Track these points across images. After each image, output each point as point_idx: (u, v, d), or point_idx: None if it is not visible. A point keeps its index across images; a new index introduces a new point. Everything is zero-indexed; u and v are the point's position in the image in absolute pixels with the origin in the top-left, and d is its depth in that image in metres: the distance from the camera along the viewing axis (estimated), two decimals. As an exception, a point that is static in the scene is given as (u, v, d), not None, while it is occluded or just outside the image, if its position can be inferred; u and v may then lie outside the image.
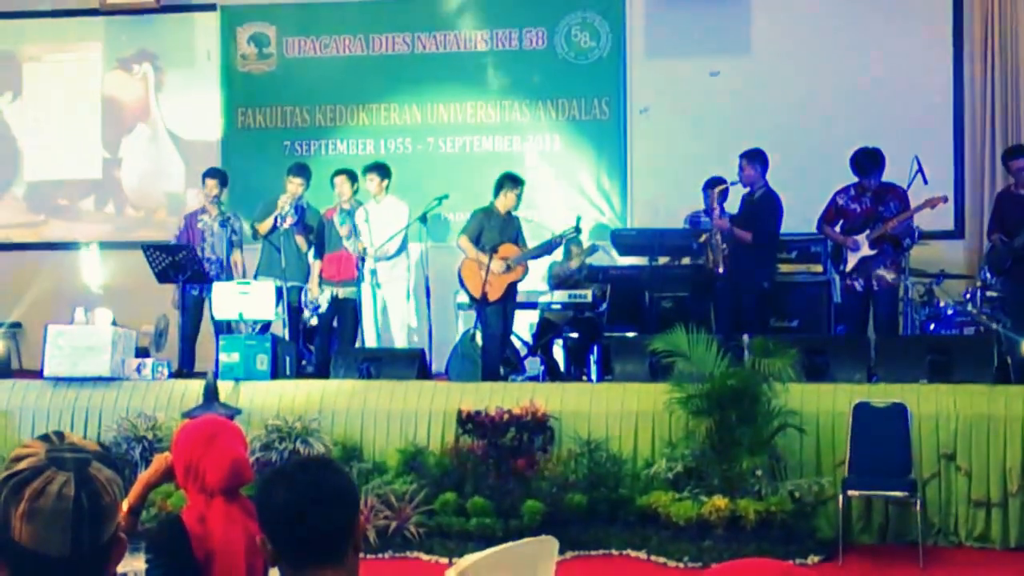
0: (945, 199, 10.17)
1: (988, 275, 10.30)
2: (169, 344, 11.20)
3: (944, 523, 8.56)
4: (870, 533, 8.63)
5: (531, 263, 10.58)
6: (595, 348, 10.73)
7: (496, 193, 10.38)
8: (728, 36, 12.61)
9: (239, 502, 3.85)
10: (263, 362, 9.85)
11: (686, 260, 10.85)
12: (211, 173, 11.25)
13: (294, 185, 10.78)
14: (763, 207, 10.20)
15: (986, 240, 11.56)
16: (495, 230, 10.36)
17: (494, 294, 10.28)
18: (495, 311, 10.34)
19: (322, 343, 10.89)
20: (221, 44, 13.45)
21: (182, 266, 10.47)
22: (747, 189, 10.31)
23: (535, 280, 11.37)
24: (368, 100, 13.10)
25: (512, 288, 10.39)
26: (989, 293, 10.13)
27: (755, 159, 10.21)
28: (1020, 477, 8.47)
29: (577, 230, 10.37)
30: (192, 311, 10.90)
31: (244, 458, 3.93)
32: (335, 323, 10.94)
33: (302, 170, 10.98)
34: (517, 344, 11.42)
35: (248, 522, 3.67)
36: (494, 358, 10.35)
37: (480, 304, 10.34)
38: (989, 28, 11.93)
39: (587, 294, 10.90)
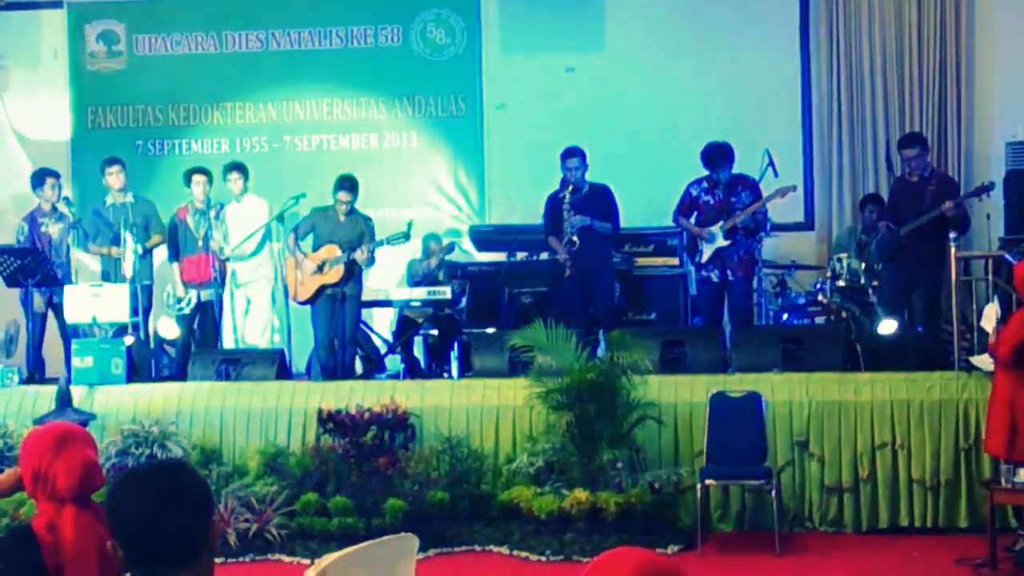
0: (795, 188, 10.39)
1: (877, 263, 10.39)
2: (20, 349, 10.92)
3: (799, 509, 8.76)
4: (728, 521, 8.79)
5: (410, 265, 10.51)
6: (455, 345, 10.73)
7: (333, 194, 10.32)
8: (582, 33, 12.69)
9: (91, 508, 3.78)
10: (118, 366, 9.68)
11: (544, 255, 10.90)
12: (46, 173, 10.99)
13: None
14: (606, 199, 10.26)
15: (835, 230, 11.89)
16: (328, 230, 10.30)
17: (304, 294, 10.24)
18: (321, 310, 10.27)
19: (183, 346, 10.72)
20: (69, 42, 13.12)
21: (30, 270, 10.20)
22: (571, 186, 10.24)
23: (395, 278, 11.35)
24: (222, 98, 12.89)
25: (324, 289, 10.25)
26: (838, 283, 10.32)
27: (584, 156, 10.23)
28: (870, 462, 8.69)
29: (407, 236, 10.33)
30: (41, 315, 10.64)
31: (95, 463, 3.85)
32: (195, 325, 10.80)
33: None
34: (377, 342, 11.38)
35: (101, 528, 3.60)
36: (321, 358, 10.32)
37: (302, 303, 10.33)
38: (834, 24, 12.18)
39: (446, 291, 10.88)
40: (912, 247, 9.92)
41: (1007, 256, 9.45)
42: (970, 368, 8.79)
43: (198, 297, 10.67)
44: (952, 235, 9.47)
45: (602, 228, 10.18)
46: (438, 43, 12.78)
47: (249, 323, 10.75)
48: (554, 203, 10.30)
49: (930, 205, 9.86)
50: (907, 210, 10.05)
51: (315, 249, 10.29)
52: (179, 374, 10.27)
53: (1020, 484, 7.60)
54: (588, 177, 10.31)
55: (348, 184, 10.27)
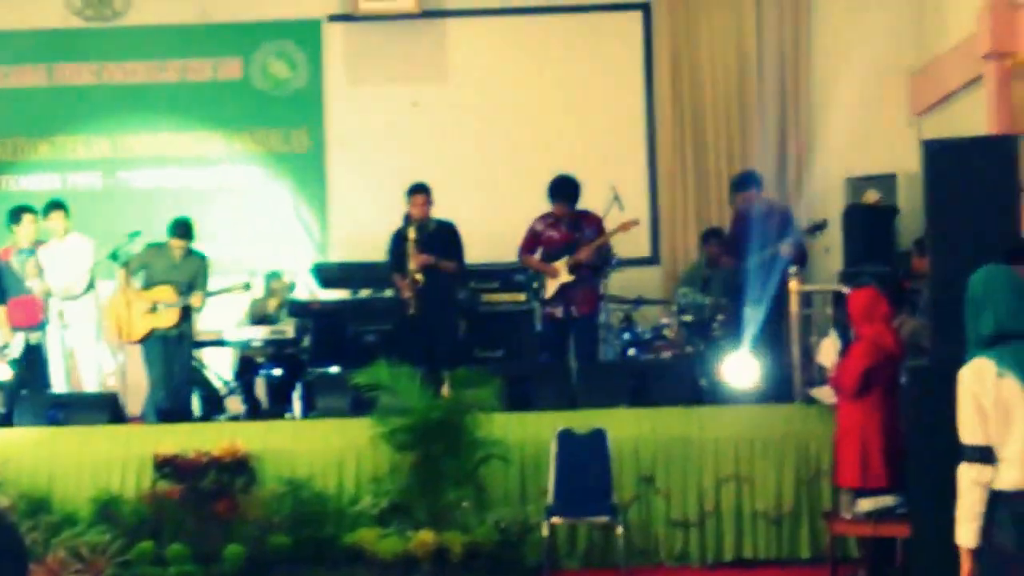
0: (637, 223, 10.40)
1: (721, 297, 10.46)
2: None
3: (645, 544, 8.72)
4: (575, 558, 8.71)
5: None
6: (298, 384, 10.54)
7: (168, 237, 10.11)
8: (427, 66, 12.66)
9: None
10: (-62, 413, 9.30)
11: (389, 292, 10.78)
12: None
13: None
14: (451, 236, 10.20)
15: (680, 265, 11.98)
16: (161, 270, 10.07)
17: (133, 334, 10.02)
18: (153, 351, 10.03)
19: (9, 391, 10.33)
20: None
21: None
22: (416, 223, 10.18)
23: (233, 317, 11.11)
24: (52, 132, 12.53)
25: (156, 330, 10.05)
26: (683, 317, 10.39)
27: (429, 192, 10.17)
28: (715, 496, 8.71)
29: (246, 287, 10.17)
30: None
31: None
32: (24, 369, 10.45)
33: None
34: (217, 383, 11.13)
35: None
36: (158, 400, 10.08)
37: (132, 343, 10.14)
38: (677, 59, 12.34)
39: (288, 330, 10.70)
40: (753, 281, 10.01)
41: (845, 289, 9.58)
42: (810, 401, 8.87)
43: (26, 340, 10.31)
44: (792, 269, 9.58)
45: (447, 266, 10.10)
46: (280, 77, 12.62)
47: (80, 366, 10.43)
48: (399, 240, 10.20)
49: (769, 240, 9.98)
50: (747, 245, 10.17)
51: (147, 287, 10.03)
52: (5, 420, 9.90)
53: (860, 515, 7.70)
54: (434, 213, 10.23)
55: (181, 231, 10.12)
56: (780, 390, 9.51)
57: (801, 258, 10.07)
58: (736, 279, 10.10)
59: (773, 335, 10.11)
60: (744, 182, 10.52)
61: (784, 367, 9.85)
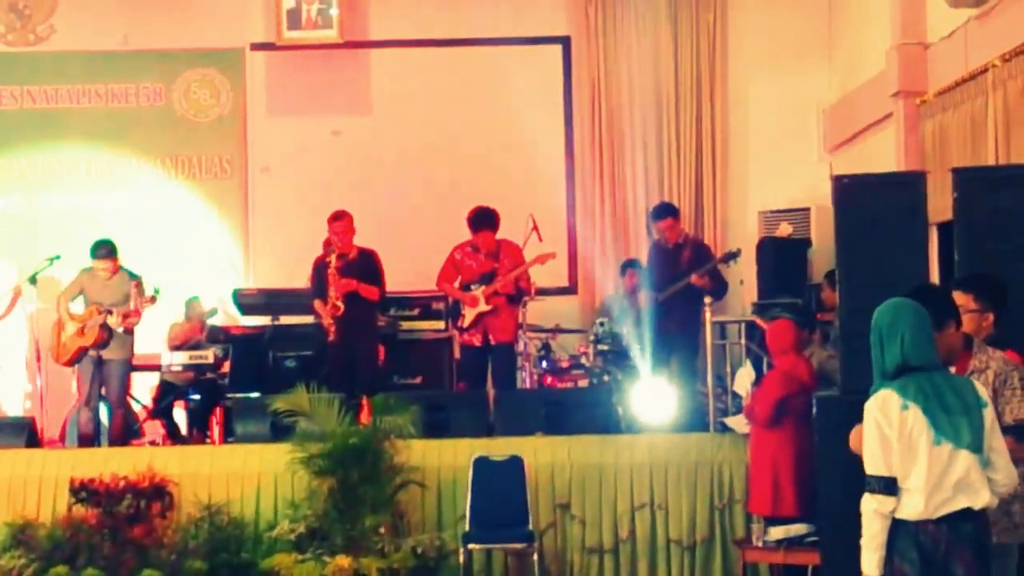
0: (554, 255, 10.53)
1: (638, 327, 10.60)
2: None
3: (561, 570, 8.83)
4: (491, 584, 8.79)
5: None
6: (217, 410, 10.52)
7: (91, 259, 10.09)
8: (349, 96, 12.71)
9: None
10: None
11: (308, 319, 10.81)
12: None
13: None
14: (372, 263, 10.25)
15: (598, 295, 12.10)
16: (95, 292, 10.04)
17: (63, 356, 9.98)
18: (83, 372, 9.99)
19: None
20: None
21: None
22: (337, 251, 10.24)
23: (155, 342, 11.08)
24: (-27, 155, 12.48)
25: (85, 351, 9.98)
26: (600, 346, 10.53)
27: (350, 219, 10.22)
28: (630, 523, 8.83)
29: (153, 300, 10.13)
30: None
31: None
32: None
33: None
34: (136, 407, 11.07)
35: None
36: (80, 421, 10.05)
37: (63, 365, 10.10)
38: (596, 90, 12.51)
39: (208, 355, 10.70)
40: (670, 312, 10.19)
41: (758, 321, 9.77)
42: (725, 429, 9.02)
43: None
44: (707, 300, 9.76)
45: (368, 293, 10.15)
46: (202, 104, 12.61)
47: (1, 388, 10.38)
48: (320, 268, 10.25)
49: (685, 271, 10.18)
50: (663, 275, 10.36)
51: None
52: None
53: (771, 543, 7.85)
54: (355, 240, 10.29)
55: (104, 251, 10.03)
56: (694, 419, 9.66)
57: (718, 288, 10.26)
58: (652, 309, 10.25)
59: (689, 364, 10.30)
60: (660, 212, 10.72)
61: (698, 396, 10.03)
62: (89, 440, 9.82)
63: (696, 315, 9.92)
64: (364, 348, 10.21)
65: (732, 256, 10.42)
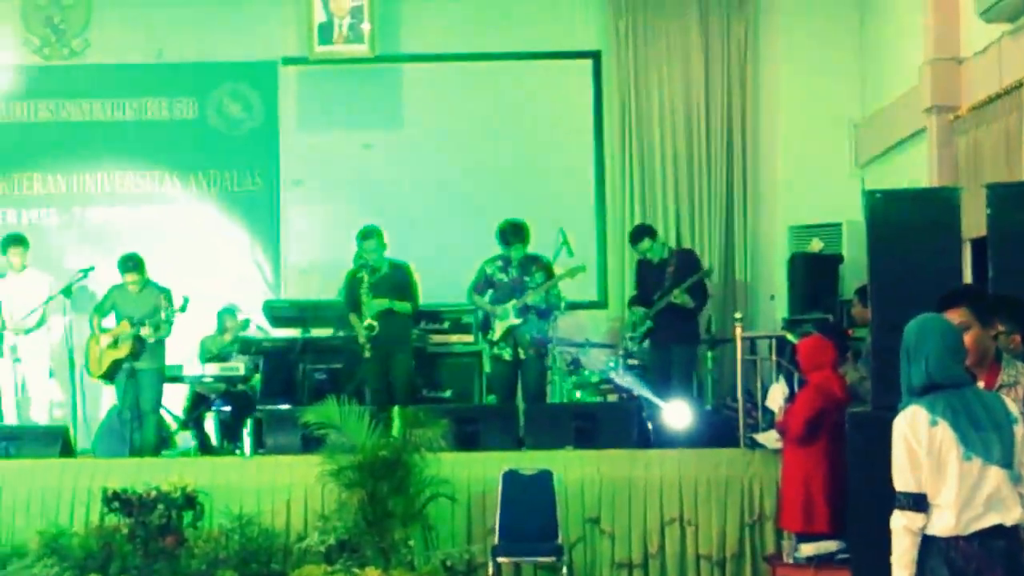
0: (584, 269, 10.57)
1: (630, 342, 10.78)
2: None
3: (590, 585, 8.83)
4: (520, 598, 8.80)
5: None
6: (248, 421, 10.55)
7: (120, 275, 10.21)
8: (380, 110, 12.75)
9: None
10: None
11: (335, 331, 10.85)
12: None
13: None
14: (405, 277, 10.30)
15: (627, 309, 12.10)
16: (126, 307, 10.19)
17: (97, 369, 10.18)
18: (119, 384, 10.13)
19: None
20: None
21: None
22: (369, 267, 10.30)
23: (188, 353, 11.13)
24: (8, 169, 12.54)
25: (120, 363, 10.13)
26: (631, 361, 10.54)
27: (381, 235, 10.27)
28: (660, 538, 8.82)
29: (182, 309, 10.19)
30: None
31: None
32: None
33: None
34: (168, 419, 11.13)
35: None
36: (114, 430, 10.18)
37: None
38: (626, 106, 12.49)
39: (240, 367, 10.76)
40: (663, 326, 10.33)
41: (789, 336, 9.77)
42: (755, 445, 9.00)
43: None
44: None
45: (401, 308, 10.19)
46: (234, 117, 12.68)
47: (31, 398, 10.45)
48: (353, 283, 10.29)
49: (670, 285, 10.34)
50: (652, 291, 10.53)
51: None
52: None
53: (801, 559, 7.83)
54: (386, 254, 10.33)
55: (130, 265, 10.18)
56: (723, 434, 9.66)
57: (700, 303, 10.65)
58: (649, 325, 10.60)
59: (687, 377, 10.44)
60: (635, 236, 11.06)
61: (722, 411, 10.05)
62: (120, 448, 9.89)
63: (689, 327, 10.08)
64: (398, 361, 10.22)
65: (704, 274, 10.76)
